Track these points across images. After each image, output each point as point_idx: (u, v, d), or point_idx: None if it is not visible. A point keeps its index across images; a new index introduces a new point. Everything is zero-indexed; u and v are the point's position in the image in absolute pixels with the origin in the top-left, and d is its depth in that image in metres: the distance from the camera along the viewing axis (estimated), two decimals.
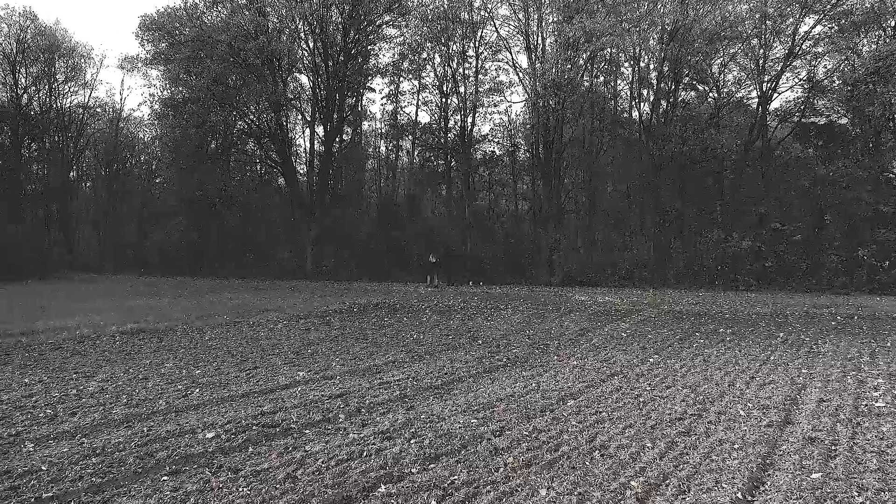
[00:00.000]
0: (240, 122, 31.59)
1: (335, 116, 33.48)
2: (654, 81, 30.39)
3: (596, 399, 7.90)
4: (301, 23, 29.97)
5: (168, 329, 15.11)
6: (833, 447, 6.01)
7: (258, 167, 38.48)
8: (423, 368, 10.33)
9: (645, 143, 29.01)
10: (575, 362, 10.48)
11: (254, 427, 6.90)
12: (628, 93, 32.59)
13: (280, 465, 5.67)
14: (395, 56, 35.54)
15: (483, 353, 11.86)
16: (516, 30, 29.63)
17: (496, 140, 36.56)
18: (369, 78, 35.98)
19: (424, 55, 34.48)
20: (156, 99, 30.16)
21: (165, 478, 5.45)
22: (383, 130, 41.47)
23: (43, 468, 5.65)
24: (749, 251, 23.91)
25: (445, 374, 9.88)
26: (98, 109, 40.04)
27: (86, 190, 44.06)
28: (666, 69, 29.58)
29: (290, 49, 28.35)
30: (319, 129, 33.89)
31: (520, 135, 36.74)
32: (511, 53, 31.81)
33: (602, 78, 33.50)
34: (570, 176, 32.00)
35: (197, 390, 8.74)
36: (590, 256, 28.38)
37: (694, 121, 28.06)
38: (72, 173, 41.86)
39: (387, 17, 31.29)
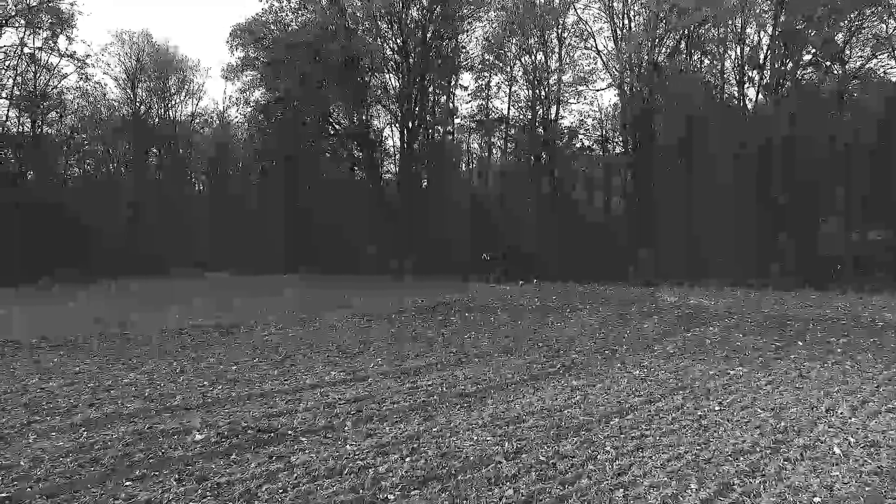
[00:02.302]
0: (324, 123, 32.31)
1: (417, 114, 33.27)
2: (763, 59, 27.04)
3: (647, 419, 6.56)
4: (381, 21, 30.04)
5: (237, 325, 15.38)
6: None
7: (349, 166, 39.26)
8: (466, 372, 9.42)
9: (750, 128, 25.81)
10: (637, 372, 9.04)
11: (249, 431, 6.38)
12: (733, 74, 29.31)
13: (249, 478, 5.04)
14: (479, 50, 34.68)
15: (538, 357, 10.72)
16: (600, 12, 27.67)
17: (584, 131, 34.50)
18: (453, 75, 35.40)
19: (508, 49, 33.31)
20: (243, 102, 31.72)
21: (128, 483, 5.02)
22: (470, 126, 40.71)
23: (22, 463, 5.45)
24: (879, 246, 20.25)
25: (486, 379, 8.90)
26: (204, 117, 43.15)
27: (198, 191, 47.59)
28: (779, 44, 26.20)
29: (371, 48, 28.47)
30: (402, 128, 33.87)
31: (610, 126, 34.49)
32: (595, 40, 29.77)
33: (707, 61, 30.44)
34: (666, 167, 29.33)
35: (219, 387, 8.46)
36: (686, 253, 25.74)
37: (812, 100, 24.49)
38: (188, 178, 45.49)
39: (465, 11, 30.53)
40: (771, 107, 26.14)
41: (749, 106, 28.14)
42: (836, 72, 27.48)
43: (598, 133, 34.57)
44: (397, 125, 34.71)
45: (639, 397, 7.51)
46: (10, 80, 34.66)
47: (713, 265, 23.81)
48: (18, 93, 35.36)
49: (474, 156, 41.55)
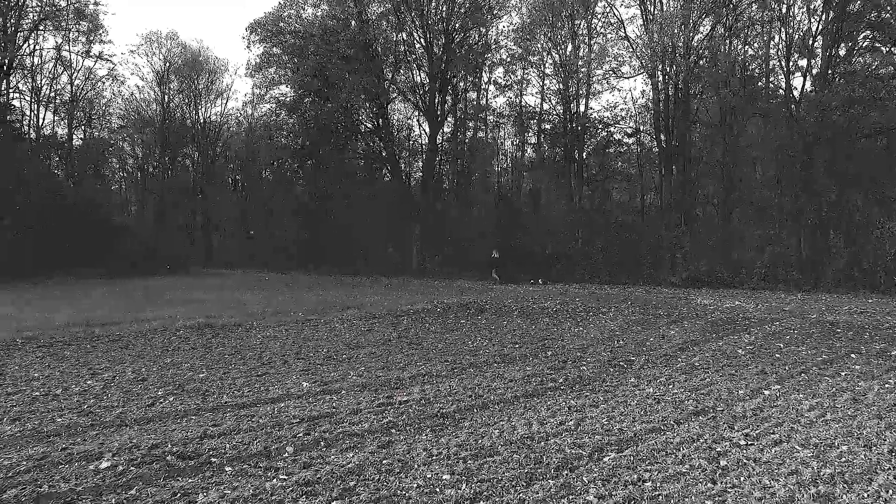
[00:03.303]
0: (345, 118, 31.64)
1: (442, 110, 32.26)
2: (812, 43, 24.84)
3: (650, 454, 5.25)
4: (404, 14, 29.12)
5: (233, 325, 14.62)
6: None
7: (371, 163, 38.57)
8: (452, 386, 8.26)
9: (794, 117, 23.66)
10: (652, 389, 7.68)
11: (168, 456, 5.39)
12: (778, 61, 27.12)
13: None
14: (507, 42, 33.41)
15: (542, 369, 9.45)
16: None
17: (615, 123, 32.74)
18: (479, 69, 34.24)
19: (538, 41, 31.90)
20: (258, 98, 31.42)
21: None
22: (498, 122, 39.47)
23: None
24: None
25: (472, 396, 7.71)
26: (232, 117, 43.27)
27: (226, 189, 47.86)
28: (831, 28, 24.01)
29: (386, 35, 27.55)
30: (426, 125, 32.93)
31: (648, 118, 32.67)
32: (626, 29, 28.05)
33: (749, 50, 28.31)
34: (703, 160, 27.39)
35: (171, 399, 7.54)
36: (724, 253, 23.80)
37: (867, 85, 22.23)
38: (216, 178, 45.71)
39: (491, 1, 29.31)
40: (822, 94, 23.93)
41: (795, 94, 25.96)
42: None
43: (631, 126, 32.81)
44: (423, 121, 33.81)
45: (645, 423, 6.19)
46: (47, 85, 35.38)
47: (753, 265, 21.85)
48: (54, 96, 36.04)
49: (502, 151, 40.28)
